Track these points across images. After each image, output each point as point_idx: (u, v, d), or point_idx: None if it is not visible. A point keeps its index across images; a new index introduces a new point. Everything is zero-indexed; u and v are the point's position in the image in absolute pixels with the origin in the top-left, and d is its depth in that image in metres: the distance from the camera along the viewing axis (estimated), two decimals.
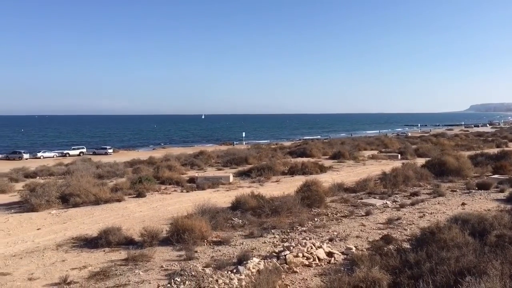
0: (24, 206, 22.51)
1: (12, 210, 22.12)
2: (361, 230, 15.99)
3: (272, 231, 16.04)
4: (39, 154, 70.71)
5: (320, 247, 13.12)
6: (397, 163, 35.67)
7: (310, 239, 14.34)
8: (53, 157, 69.63)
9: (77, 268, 12.58)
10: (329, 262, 12.40)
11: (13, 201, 24.38)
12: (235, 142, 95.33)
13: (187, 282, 10.28)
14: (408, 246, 12.21)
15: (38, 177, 37.30)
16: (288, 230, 16.10)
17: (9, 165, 53.10)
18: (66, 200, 22.91)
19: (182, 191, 26.47)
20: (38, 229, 17.96)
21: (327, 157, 47.62)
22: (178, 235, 14.57)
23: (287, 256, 12.26)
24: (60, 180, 30.21)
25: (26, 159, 66.48)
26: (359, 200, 21.65)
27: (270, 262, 11.89)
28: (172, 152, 56.72)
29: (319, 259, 12.48)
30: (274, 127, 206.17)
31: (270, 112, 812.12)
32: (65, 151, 75.03)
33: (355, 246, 13.57)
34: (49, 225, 18.61)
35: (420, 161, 35.85)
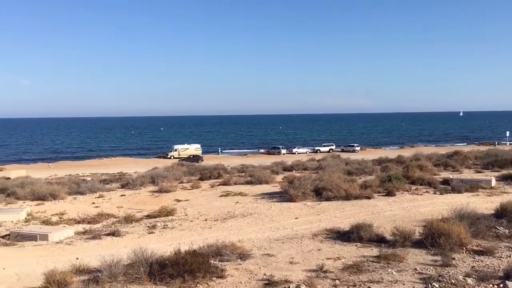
0: (283, 196, 25.05)
1: (274, 199, 24.89)
2: None
3: None
4: (294, 150, 78.04)
5: None
6: None
7: None
8: (306, 152, 75.82)
9: (331, 258, 13.15)
10: None
11: (274, 191, 27.40)
12: (496, 142, 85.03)
13: None
14: None
15: (294, 171, 40.93)
16: None
17: (270, 159, 60.28)
18: (319, 194, 24.45)
19: (434, 193, 24.88)
20: (296, 218, 19.67)
21: None
22: (433, 238, 13.68)
23: None
24: (313, 175, 32.52)
25: (283, 154, 74.21)
26: None
27: None
28: (422, 151, 54.24)
29: None
30: None
31: None
32: (316, 148, 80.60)
33: None
34: (305, 215, 20.16)
35: None
